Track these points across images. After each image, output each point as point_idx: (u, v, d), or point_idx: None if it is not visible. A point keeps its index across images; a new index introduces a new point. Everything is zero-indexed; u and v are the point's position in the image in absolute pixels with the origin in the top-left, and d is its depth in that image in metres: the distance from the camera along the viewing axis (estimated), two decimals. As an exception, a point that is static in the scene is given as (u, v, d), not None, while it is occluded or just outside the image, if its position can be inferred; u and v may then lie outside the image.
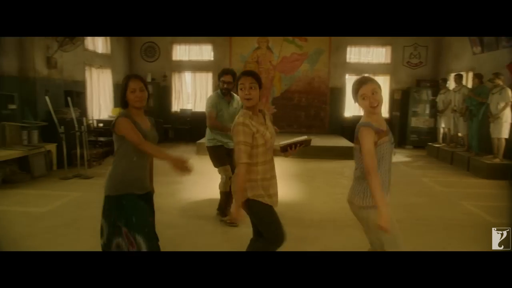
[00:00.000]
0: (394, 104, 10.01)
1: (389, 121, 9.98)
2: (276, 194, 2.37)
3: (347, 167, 7.03)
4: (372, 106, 2.08)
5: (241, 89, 2.27)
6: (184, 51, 10.55)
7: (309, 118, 10.37)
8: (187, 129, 10.06)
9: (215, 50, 10.36)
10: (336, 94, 10.22)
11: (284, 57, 10.24)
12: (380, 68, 10.07)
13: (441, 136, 8.71)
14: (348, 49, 10.08)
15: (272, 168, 2.39)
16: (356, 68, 10.01)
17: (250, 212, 2.34)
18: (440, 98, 8.40)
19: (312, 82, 10.23)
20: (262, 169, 2.31)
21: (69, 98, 6.24)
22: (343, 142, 8.67)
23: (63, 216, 4.11)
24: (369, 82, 2.10)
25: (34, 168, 5.78)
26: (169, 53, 10.48)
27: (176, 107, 10.69)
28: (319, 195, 5.29)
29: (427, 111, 9.73)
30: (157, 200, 2.65)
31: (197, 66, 10.43)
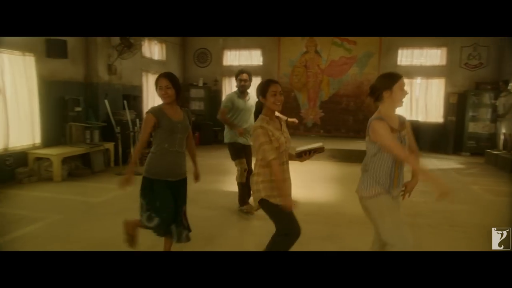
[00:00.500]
0: (449, 108, 9.47)
1: (443, 126, 9.51)
2: (288, 195, 2.49)
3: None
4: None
5: (273, 95, 2.43)
6: (235, 56, 10.95)
7: (357, 122, 10.20)
8: (236, 131, 10.39)
9: (264, 55, 10.61)
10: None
11: (333, 60, 10.19)
12: (434, 71, 9.61)
13: (501, 142, 8.10)
14: (400, 51, 9.76)
15: (286, 170, 2.53)
16: (407, 71, 9.64)
17: (264, 209, 2.51)
18: (500, 102, 7.83)
19: (361, 86, 10.05)
20: None
21: (125, 102, 6.86)
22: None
23: (114, 206, 4.57)
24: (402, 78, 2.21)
25: (94, 164, 6.43)
26: (220, 58, 10.94)
27: (226, 110, 11.10)
28: (355, 198, 5.24)
29: (488, 116, 9.09)
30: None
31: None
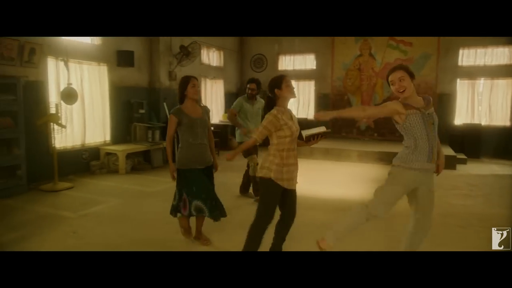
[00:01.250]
0: (518, 110, 8.79)
1: (510, 130, 8.82)
2: (292, 179, 2.80)
3: (440, 176, 6.65)
4: (399, 91, 2.37)
5: (287, 85, 2.81)
6: (289, 61, 11.29)
7: (413, 125, 9.89)
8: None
9: (317, 59, 10.80)
10: (445, 101, 9.49)
11: (387, 63, 10.02)
12: (500, 71, 8.97)
13: None
14: (460, 51, 9.30)
15: (295, 156, 2.83)
16: (469, 72, 9.17)
17: (262, 187, 2.82)
18: None
19: (417, 88, 9.38)
20: (287, 155, 2.77)
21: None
22: (444, 151, 8.04)
23: (165, 195, 5.17)
24: (394, 72, 2.39)
25: (154, 160, 7.22)
26: (275, 63, 11.35)
27: (280, 113, 11.47)
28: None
29: None
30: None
31: (301, 75, 11.02)
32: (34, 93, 5.44)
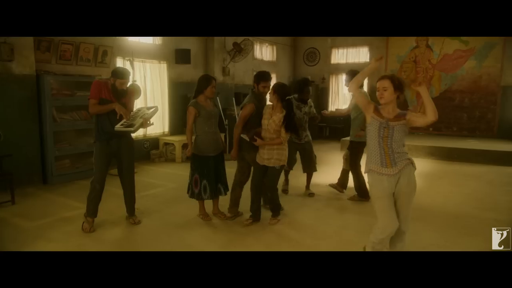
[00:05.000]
0: None
1: None
2: (267, 159, 3.75)
3: (494, 172, 6.39)
4: (378, 98, 2.56)
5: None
6: (342, 54, 11.25)
7: (472, 120, 9.40)
8: (340, 127, 10.72)
9: (371, 51, 10.62)
10: (510, 93, 8.89)
11: (446, 54, 9.59)
12: None
13: None
14: (530, 40, 8.63)
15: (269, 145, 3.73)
16: (540, 62, 8.49)
17: (278, 170, 3.85)
18: None
19: (479, 81, 9.22)
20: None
21: (233, 99, 8.04)
22: (505, 147, 7.62)
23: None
24: (382, 79, 2.56)
25: (207, 150, 7.78)
26: (328, 57, 11.38)
27: (332, 107, 11.51)
28: (430, 191, 5.25)
29: None
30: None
31: (354, 68, 10.90)
32: (106, 89, 6.23)
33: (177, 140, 7.24)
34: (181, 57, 7.61)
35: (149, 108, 3.86)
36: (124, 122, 3.41)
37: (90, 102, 3.50)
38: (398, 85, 2.55)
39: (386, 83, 2.55)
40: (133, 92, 3.82)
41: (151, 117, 3.63)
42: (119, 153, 3.66)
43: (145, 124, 3.52)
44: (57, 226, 3.79)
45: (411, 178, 2.58)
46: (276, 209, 3.94)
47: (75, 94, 5.59)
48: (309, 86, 4.86)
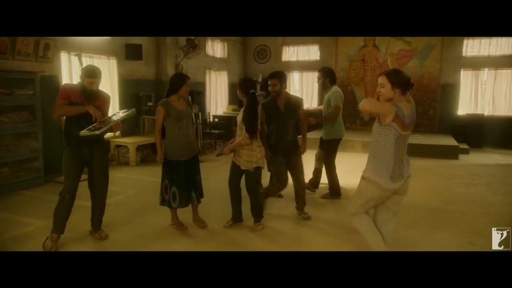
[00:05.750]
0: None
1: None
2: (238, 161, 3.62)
3: (442, 166, 6.82)
4: (377, 94, 2.48)
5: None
6: (293, 52, 11.33)
7: (416, 116, 9.98)
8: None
9: (321, 50, 10.84)
10: (448, 91, 9.59)
11: (391, 54, 10.05)
12: (504, 61, 9.04)
13: None
14: (465, 42, 9.35)
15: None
16: (473, 62, 9.24)
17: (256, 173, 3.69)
18: None
19: (421, 79, 9.82)
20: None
21: (189, 97, 7.66)
22: (446, 141, 8.21)
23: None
24: (379, 76, 2.50)
25: (163, 152, 7.35)
26: (279, 54, 11.39)
27: (284, 104, 11.56)
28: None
29: None
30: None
31: (304, 66, 11.06)
32: (49, 87, 5.52)
33: (131, 142, 6.72)
34: (131, 52, 7.09)
35: (124, 112, 3.44)
36: (93, 126, 2.99)
37: (58, 103, 3.06)
38: (397, 82, 2.44)
39: (382, 80, 2.49)
40: (108, 98, 3.39)
41: (123, 119, 3.23)
42: (91, 159, 3.27)
43: (115, 127, 3.11)
44: (8, 247, 3.26)
45: (406, 189, 2.62)
46: (259, 214, 3.76)
47: (14, 93, 4.89)
48: None
